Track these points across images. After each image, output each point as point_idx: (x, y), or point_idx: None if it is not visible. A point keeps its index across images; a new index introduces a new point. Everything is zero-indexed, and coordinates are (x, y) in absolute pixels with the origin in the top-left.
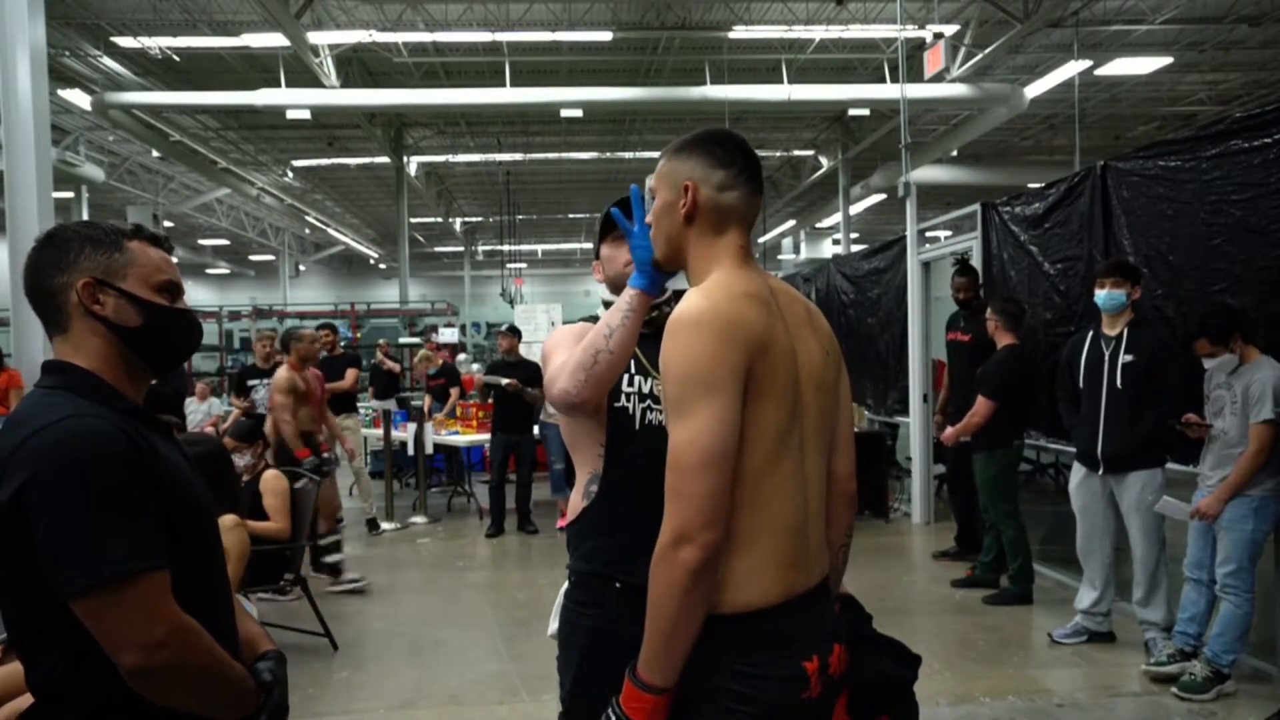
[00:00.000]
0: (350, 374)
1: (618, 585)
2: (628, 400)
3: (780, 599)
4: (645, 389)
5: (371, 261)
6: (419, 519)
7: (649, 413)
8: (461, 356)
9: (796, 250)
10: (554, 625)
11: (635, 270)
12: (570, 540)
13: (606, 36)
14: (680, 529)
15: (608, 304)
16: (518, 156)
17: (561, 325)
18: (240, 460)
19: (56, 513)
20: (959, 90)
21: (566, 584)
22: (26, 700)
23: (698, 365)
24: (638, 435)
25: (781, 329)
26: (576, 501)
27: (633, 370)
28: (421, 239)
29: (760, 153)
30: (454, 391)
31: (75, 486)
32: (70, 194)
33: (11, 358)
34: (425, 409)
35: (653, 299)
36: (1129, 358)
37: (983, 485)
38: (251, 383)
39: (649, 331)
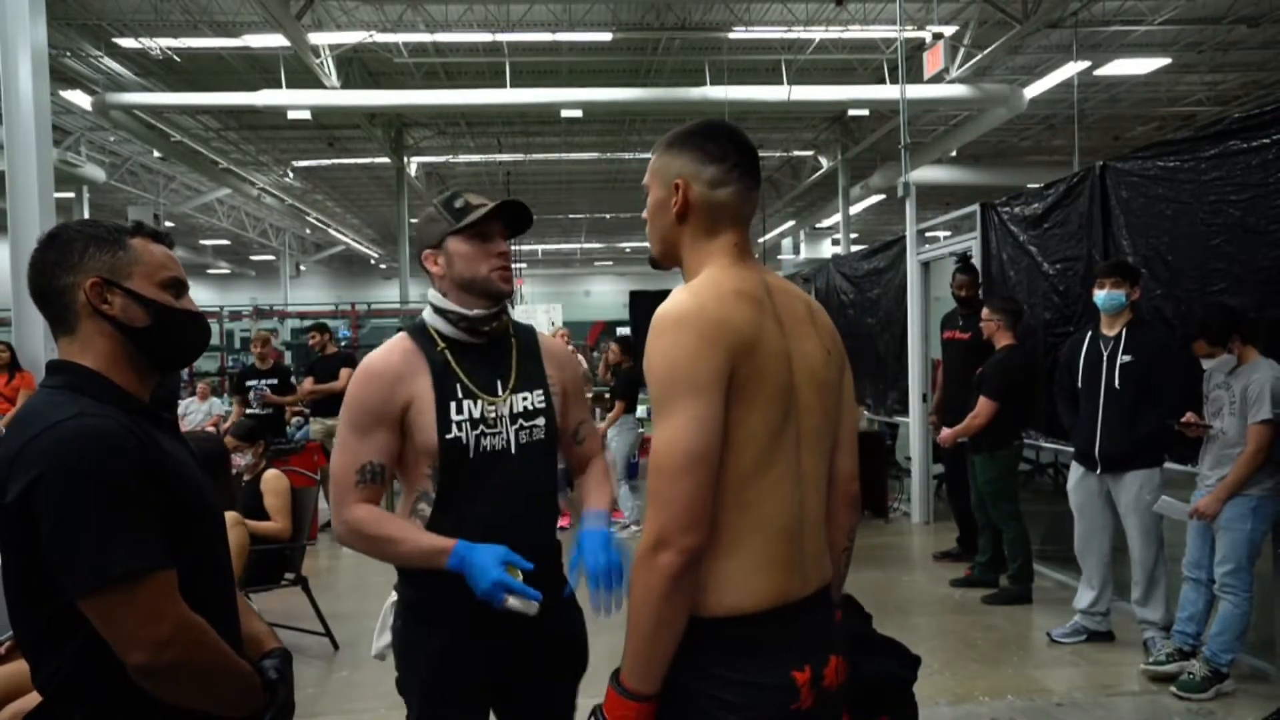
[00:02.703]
0: (344, 374)
1: (458, 605)
2: (459, 429)
3: (771, 604)
4: (476, 414)
5: (372, 261)
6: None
7: (483, 439)
8: None
9: (796, 250)
10: (379, 643)
11: (455, 556)
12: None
13: (606, 37)
14: (660, 533)
15: (437, 309)
16: (518, 156)
17: (372, 353)
18: (241, 460)
19: (64, 512)
20: (958, 91)
21: (394, 597)
22: (33, 699)
23: (679, 366)
24: (470, 464)
25: (774, 328)
26: (403, 518)
27: (460, 395)
28: None
29: (760, 153)
30: None
31: (83, 486)
32: (71, 194)
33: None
34: None
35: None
36: (1127, 358)
37: (984, 487)
38: (250, 383)
39: (482, 343)
